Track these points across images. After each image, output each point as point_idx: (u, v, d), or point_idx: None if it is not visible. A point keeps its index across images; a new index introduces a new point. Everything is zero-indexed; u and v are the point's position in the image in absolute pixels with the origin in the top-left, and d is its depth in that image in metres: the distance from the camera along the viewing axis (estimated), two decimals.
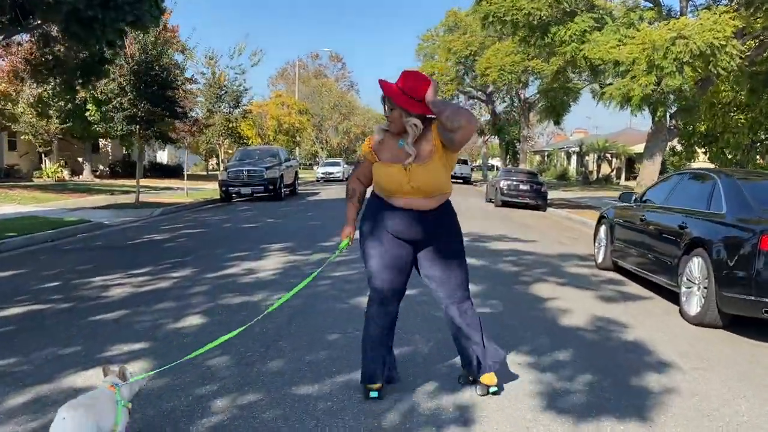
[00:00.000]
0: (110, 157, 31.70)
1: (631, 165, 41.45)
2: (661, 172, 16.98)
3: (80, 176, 27.34)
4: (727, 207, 5.24)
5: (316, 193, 21.85)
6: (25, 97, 22.97)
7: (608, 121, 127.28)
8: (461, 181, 37.25)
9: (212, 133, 27.90)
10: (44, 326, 4.41)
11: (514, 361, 3.85)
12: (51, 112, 23.70)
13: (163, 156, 41.44)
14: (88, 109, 21.96)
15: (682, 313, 5.36)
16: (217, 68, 26.52)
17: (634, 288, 6.63)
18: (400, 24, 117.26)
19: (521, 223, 13.59)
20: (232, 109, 27.14)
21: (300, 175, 24.12)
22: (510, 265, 7.55)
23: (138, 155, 16.95)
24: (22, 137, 25.35)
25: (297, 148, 45.30)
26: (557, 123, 27.33)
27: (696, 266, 5.22)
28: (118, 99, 14.17)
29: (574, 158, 47.37)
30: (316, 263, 7.08)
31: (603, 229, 7.83)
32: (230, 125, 28.37)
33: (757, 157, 22.28)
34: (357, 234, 3.22)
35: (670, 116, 15.03)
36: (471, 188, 31.74)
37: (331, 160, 41.13)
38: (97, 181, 26.04)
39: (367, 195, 3.25)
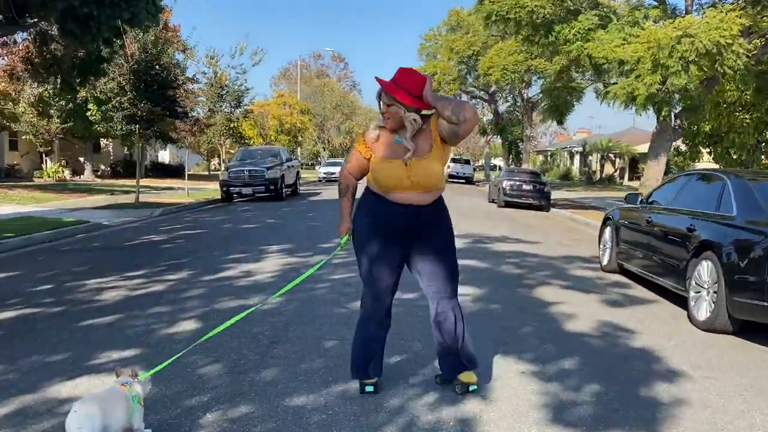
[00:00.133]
0: (111, 157, 31.63)
1: (634, 165, 41.23)
2: (666, 173, 16.80)
3: (81, 176, 27.28)
4: (737, 209, 5.09)
5: (318, 193, 21.72)
6: (26, 97, 22.89)
7: (611, 120, 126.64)
8: (463, 181, 37.11)
9: (213, 133, 27.79)
10: (35, 331, 4.29)
11: (518, 369, 3.71)
12: (52, 111, 23.62)
13: (165, 156, 41.40)
14: (89, 109, 21.88)
15: (690, 318, 5.21)
16: (218, 68, 26.43)
17: (640, 291, 6.48)
18: (400, 24, 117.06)
19: (524, 223, 13.44)
20: (233, 109, 27.02)
21: (302, 175, 24.00)
22: (513, 268, 7.41)
23: (138, 155, 16.83)
24: (23, 137, 25.29)
25: (299, 148, 45.17)
26: (560, 123, 27.16)
27: (705, 270, 5.07)
28: (118, 98, 14.06)
29: (577, 158, 47.16)
30: (315, 265, 6.94)
31: (608, 230, 7.68)
32: (231, 125, 28.25)
33: (762, 157, 22.03)
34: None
35: (675, 116, 14.84)
36: (473, 188, 31.57)
37: (333, 160, 41.00)
38: (98, 181, 25.97)
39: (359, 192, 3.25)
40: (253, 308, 3.71)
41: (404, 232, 3.08)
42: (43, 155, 26.85)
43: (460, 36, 32.71)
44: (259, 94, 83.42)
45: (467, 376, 3.22)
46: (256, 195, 17.21)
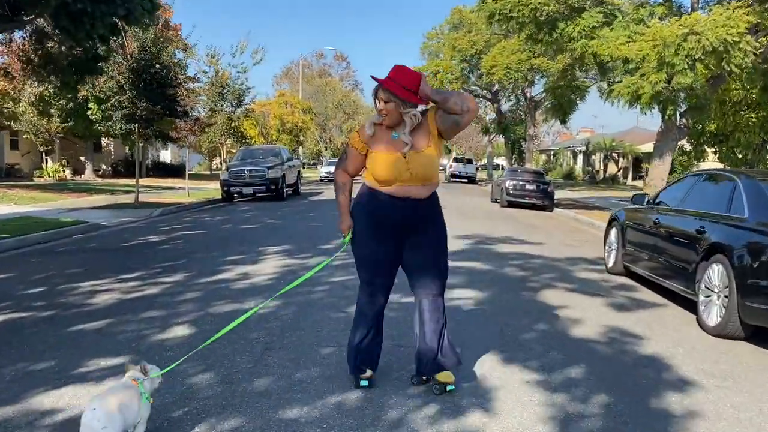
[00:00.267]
0: (113, 156, 31.53)
1: (638, 164, 40.98)
2: (670, 173, 16.61)
3: (82, 176, 27.18)
4: (749, 210, 4.92)
5: (319, 193, 21.57)
6: (27, 96, 22.79)
7: (615, 120, 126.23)
8: (466, 180, 36.93)
9: (214, 133, 27.65)
10: (22, 336, 4.14)
11: (523, 379, 3.55)
12: (52, 110, 23.51)
13: (166, 155, 41.30)
14: (90, 108, 21.75)
15: (700, 323, 5.05)
16: (219, 67, 26.30)
17: (646, 294, 6.32)
18: (401, 24, 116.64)
19: (527, 224, 13.26)
20: (234, 108, 26.88)
21: (303, 175, 23.86)
22: (516, 270, 7.25)
23: (137, 154, 16.70)
24: (23, 136, 25.19)
25: (300, 147, 45.04)
26: (564, 122, 26.96)
27: (715, 273, 4.90)
28: (117, 97, 13.93)
29: (580, 157, 46.93)
30: (314, 267, 6.79)
31: (613, 232, 7.51)
32: (232, 124, 28.11)
33: None
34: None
35: (680, 115, 14.65)
36: (476, 188, 31.40)
37: (334, 159, 40.83)
38: (99, 180, 25.87)
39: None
40: (252, 311, 3.57)
41: (401, 226, 3.12)
42: (44, 155, 26.75)
43: (463, 34, 32.52)
44: (260, 93, 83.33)
45: (445, 376, 3.21)
46: (257, 195, 17.07)
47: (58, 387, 3.24)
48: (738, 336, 4.64)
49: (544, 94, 28.78)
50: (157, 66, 14.27)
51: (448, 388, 3.22)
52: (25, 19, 9.00)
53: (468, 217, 13.66)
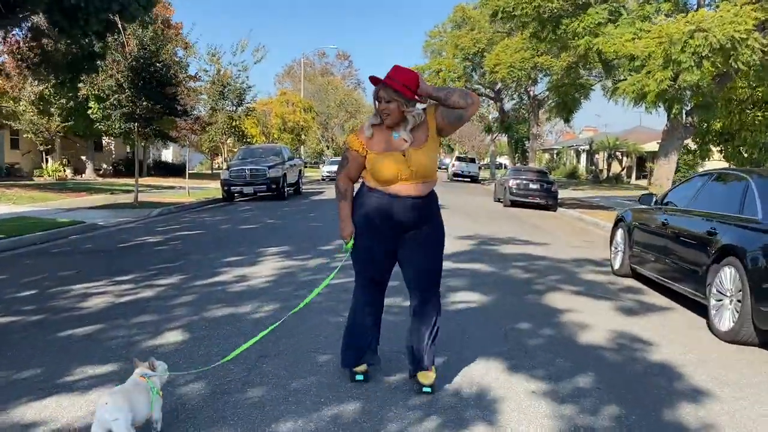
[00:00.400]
0: (113, 156, 31.42)
1: (641, 164, 40.75)
2: (675, 172, 16.40)
3: (83, 175, 27.08)
4: (762, 211, 4.75)
5: (321, 192, 21.42)
6: (27, 95, 22.68)
7: (618, 118, 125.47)
8: (469, 179, 36.73)
9: (215, 132, 27.51)
10: (8, 342, 4.00)
11: (528, 389, 3.39)
12: (52, 109, 23.39)
13: (168, 154, 41.20)
14: (90, 107, 21.62)
15: (711, 328, 4.88)
16: (220, 65, 26.14)
17: (654, 297, 6.15)
18: (401, 23, 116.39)
19: (531, 224, 13.09)
20: (235, 107, 26.72)
21: (305, 174, 23.71)
22: (521, 272, 7.08)
23: (136, 153, 16.57)
24: (24, 136, 25.08)
25: (302, 146, 44.88)
26: (567, 120, 26.70)
27: (728, 277, 4.73)
28: (116, 96, 13.79)
29: (583, 156, 46.69)
30: (313, 269, 6.65)
31: (620, 233, 7.34)
32: (233, 123, 27.95)
33: None
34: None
35: (686, 113, 14.45)
36: (479, 187, 31.21)
37: (336, 158, 40.68)
38: (100, 179, 25.76)
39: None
40: (278, 322, 3.51)
41: (400, 224, 3.12)
42: (44, 154, 26.63)
43: (466, 32, 32.32)
44: (262, 92, 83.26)
45: (425, 376, 3.22)
46: (258, 194, 16.94)
47: (41, 397, 3.10)
48: (752, 342, 4.47)
49: (547, 92, 28.57)
50: (157, 64, 14.13)
51: (425, 389, 3.20)
52: (20, 16, 8.85)
53: (471, 216, 13.49)
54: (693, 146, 22.89)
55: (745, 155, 20.45)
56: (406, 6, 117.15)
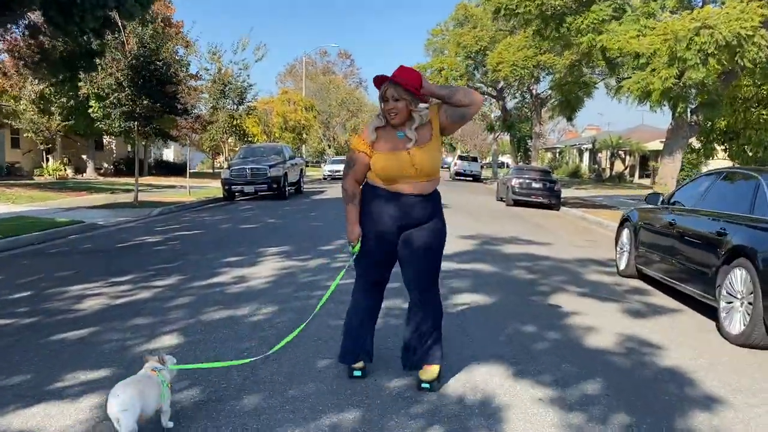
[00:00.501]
0: (114, 155, 31.35)
1: (644, 162, 40.56)
2: (680, 171, 16.24)
3: (83, 174, 27.00)
4: None
5: (322, 192, 21.31)
6: (27, 94, 22.59)
7: (621, 117, 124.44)
8: (471, 178, 36.58)
9: (216, 131, 27.38)
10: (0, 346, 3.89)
11: (534, 395, 3.27)
12: (53, 108, 23.29)
13: (169, 154, 41.13)
14: (91, 106, 21.52)
15: (721, 330, 4.75)
16: (221, 64, 25.97)
17: (661, 299, 6.02)
18: (401, 23, 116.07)
19: (534, 223, 12.96)
20: (236, 106, 26.58)
21: (307, 173, 23.58)
22: (525, 272, 6.96)
23: (136, 152, 16.47)
24: (24, 135, 25.00)
25: (303, 145, 44.76)
26: (570, 119, 26.57)
27: (738, 278, 4.60)
28: (116, 94, 13.68)
29: (586, 155, 46.50)
30: (313, 270, 6.54)
31: (626, 233, 7.21)
32: (234, 122, 27.82)
33: None
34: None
35: (690, 112, 14.29)
36: (481, 186, 31.06)
37: (338, 157, 40.54)
38: (101, 179, 25.68)
39: None
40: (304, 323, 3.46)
41: (403, 222, 3.14)
42: (45, 153, 26.56)
43: (468, 30, 32.15)
44: (263, 91, 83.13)
45: (424, 372, 3.26)
46: (259, 193, 16.84)
47: (30, 405, 2.99)
48: (764, 345, 4.34)
49: (550, 91, 28.42)
50: (158, 63, 14.01)
51: (423, 385, 3.23)
52: (17, 13, 8.74)
53: (473, 216, 13.36)
54: (697, 145, 22.73)
55: (750, 154, 20.28)
56: (406, 6, 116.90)
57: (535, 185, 17.25)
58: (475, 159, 40.40)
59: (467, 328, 4.49)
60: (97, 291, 5.45)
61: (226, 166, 19.34)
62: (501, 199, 19.06)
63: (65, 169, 25.67)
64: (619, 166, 41.53)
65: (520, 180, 17.49)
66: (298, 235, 9.47)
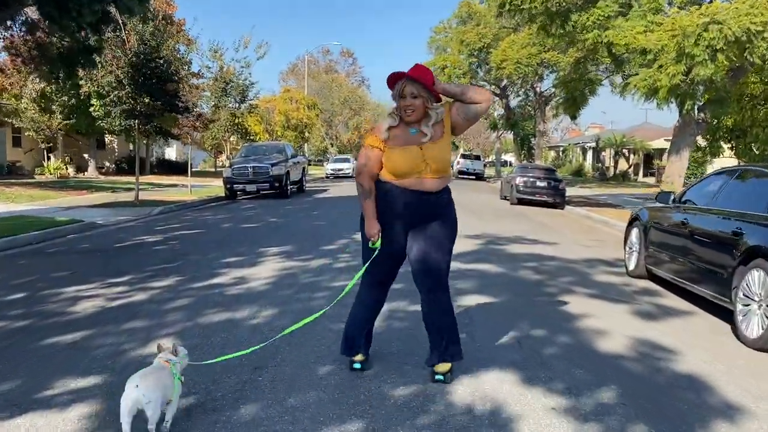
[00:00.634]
0: (116, 154, 31.24)
1: (649, 161, 40.29)
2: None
3: (85, 173, 26.90)
4: None
5: (325, 190, 21.18)
6: (28, 92, 22.47)
7: (624, 115, 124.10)
8: (473, 177, 36.38)
9: (218, 129, 27.24)
10: None
11: (547, 404, 3.11)
12: (54, 107, 23.17)
13: (171, 152, 41.03)
14: (92, 104, 21.39)
15: (737, 334, 4.58)
16: (223, 62, 25.84)
17: (673, 300, 5.85)
18: (402, 21, 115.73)
19: (539, 222, 12.79)
20: (238, 104, 26.43)
21: (309, 172, 23.44)
22: (531, 273, 6.79)
23: (137, 151, 16.34)
24: (26, 133, 24.89)
25: (306, 144, 44.60)
26: (574, 117, 26.33)
27: (756, 280, 4.43)
28: (116, 92, 13.54)
29: (589, 154, 46.25)
30: (315, 271, 6.38)
31: (635, 232, 7.03)
32: (236, 120, 27.67)
33: None
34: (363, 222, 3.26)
35: (698, 109, 14.09)
36: (484, 184, 30.87)
37: (340, 156, 40.38)
38: (102, 177, 25.57)
39: None
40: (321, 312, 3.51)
41: (413, 218, 3.17)
42: (46, 152, 26.45)
43: (471, 27, 31.93)
44: (264, 89, 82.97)
45: (440, 367, 3.31)
46: (261, 192, 16.72)
47: (16, 415, 2.84)
48: None
49: (554, 89, 28.20)
50: (158, 60, 13.87)
51: (437, 377, 3.28)
52: (13, 9, 8.59)
53: (476, 214, 13.19)
54: (703, 143, 22.48)
55: (757, 152, 20.04)
56: (406, 5, 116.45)
57: (539, 184, 17.08)
58: (478, 157, 40.18)
59: (474, 332, 4.32)
60: (93, 292, 5.31)
61: (228, 164, 19.22)
62: (505, 198, 18.89)
63: (66, 168, 25.55)
64: (623, 165, 41.26)
65: (525, 178, 17.32)
66: (300, 234, 9.32)
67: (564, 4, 13.21)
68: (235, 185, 16.53)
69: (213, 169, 36.70)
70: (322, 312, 3.44)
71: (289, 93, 41.47)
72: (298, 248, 7.85)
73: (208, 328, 4.24)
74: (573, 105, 20.62)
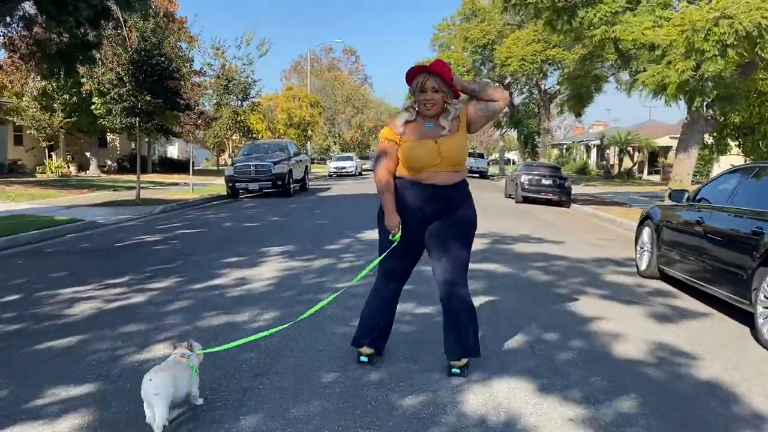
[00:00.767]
0: (118, 152, 31.13)
1: (654, 158, 40.01)
2: None
3: (87, 171, 26.79)
4: None
5: (328, 189, 21.02)
6: (29, 90, 22.35)
7: (628, 113, 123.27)
8: (477, 175, 36.16)
9: (220, 127, 27.10)
10: None
11: (564, 415, 2.94)
12: (55, 105, 23.05)
13: (173, 151, 40.93)
14: (94, 103, 21.27)
15: (758, 338, 4.40)
16: (225, 59, 25.71)
17: (687, 302, 5.67)
18: (403, 20, 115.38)
19: (545, 220, 12.60)
20: (240, 102, 26.27)
21: (312, 170, 23.28)
22: (540, 273, 6.62)
23: (139, 149, 16.20)
24: (27, 132, 24.78)
25: (308, 142, 44.44)
26: (578, 115, 26.09)
27: None
28: (117, 90, 13.40)
29: (594, 151, 45.98)
30: (318, 271, 6.22)
31: (647, 231, 6.85)
32: (239, 118, 27.52)
33: None
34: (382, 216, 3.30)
35: (706, 106, 13.86)
36: (488, 182, 30.67)
37: (343, 154, 40.21)
38: (104, 176, 25.46)
39: None
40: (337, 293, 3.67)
41: (429, 213, 3.18)
42: (47, 150, 26.35)
43: (475, 24, 31.70)
44: (267, 87, 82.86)
45: (456, 362, 3.32)
46: (263, 191, 16.57)
47: (4, 426, 2.69)
48: None
49: (558, 86, 27.97)
50: (159, 57, 13.72)
51: (453, 371, 3.29)
52: (10, 4, 8.43)
53: (482, 213, 12.90)
54: (709, 141, 22.21)
55: (765, 149, 19.77)
56: (406, 5, 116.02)
57: (545, 182, 16.89)
58: (481, 155, 39.98)
59: (484, 337, 4.14)
60: (90, 294, 5.16)
61: (230, 163, 19.08)
62: (510, 196, 18.71)
63: (68, 167, 25.45)
64: (627, 163, 40.98)
65: (530, 176, 17.12)
66: (302, 233, 9.16)
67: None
68: (237, 184, 16.39)
69: (215, 168, 36.59)
70: (333, 297, 3.46)
71: (291, 91, 41.32)
72: (301, 248, 7.69)
73: (207, 332, 4.08)
74: (579, 102, 20.40)
